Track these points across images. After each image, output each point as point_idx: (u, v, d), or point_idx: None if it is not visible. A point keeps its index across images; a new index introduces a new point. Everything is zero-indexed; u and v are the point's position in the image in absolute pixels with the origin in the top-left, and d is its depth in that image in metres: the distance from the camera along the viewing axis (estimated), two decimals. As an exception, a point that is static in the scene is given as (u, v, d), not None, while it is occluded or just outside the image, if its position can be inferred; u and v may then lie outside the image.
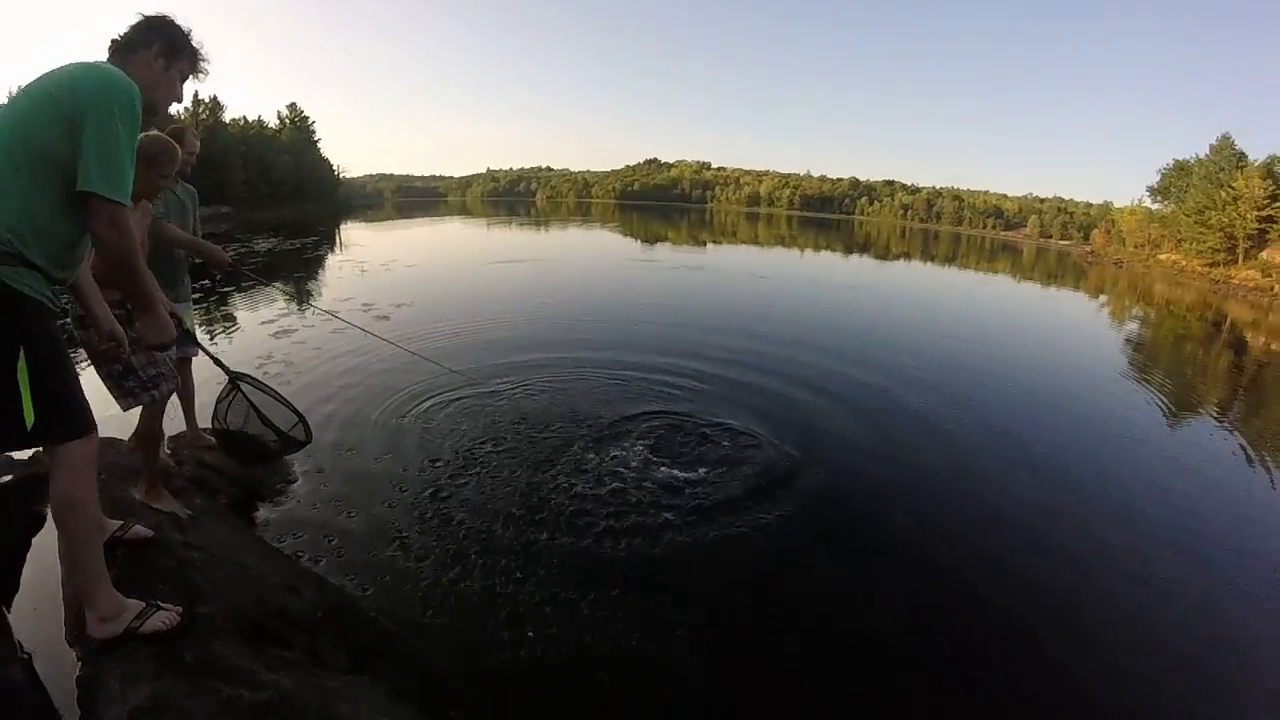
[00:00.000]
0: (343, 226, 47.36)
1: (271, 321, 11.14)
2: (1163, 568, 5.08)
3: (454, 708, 2.91)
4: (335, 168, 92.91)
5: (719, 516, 5.01)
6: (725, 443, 6.36)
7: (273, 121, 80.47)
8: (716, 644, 3.72)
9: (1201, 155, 56.21)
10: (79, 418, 2.33)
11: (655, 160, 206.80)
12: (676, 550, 4.53)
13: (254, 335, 10.15)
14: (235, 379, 4.45)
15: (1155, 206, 64.11)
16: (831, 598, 4.33)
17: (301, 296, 14.25)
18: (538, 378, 8.21)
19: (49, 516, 3.83)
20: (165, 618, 2.50)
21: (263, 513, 4.59)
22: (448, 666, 3.25)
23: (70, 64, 2.28)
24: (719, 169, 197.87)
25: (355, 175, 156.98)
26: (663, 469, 5.70)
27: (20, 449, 2.48)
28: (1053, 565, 4.97)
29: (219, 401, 4.41)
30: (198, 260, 4.62)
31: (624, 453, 5.99)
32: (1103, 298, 31.33)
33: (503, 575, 4.10)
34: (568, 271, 22.99)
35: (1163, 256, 57.55)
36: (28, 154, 2.13)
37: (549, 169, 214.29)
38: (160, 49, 2.50)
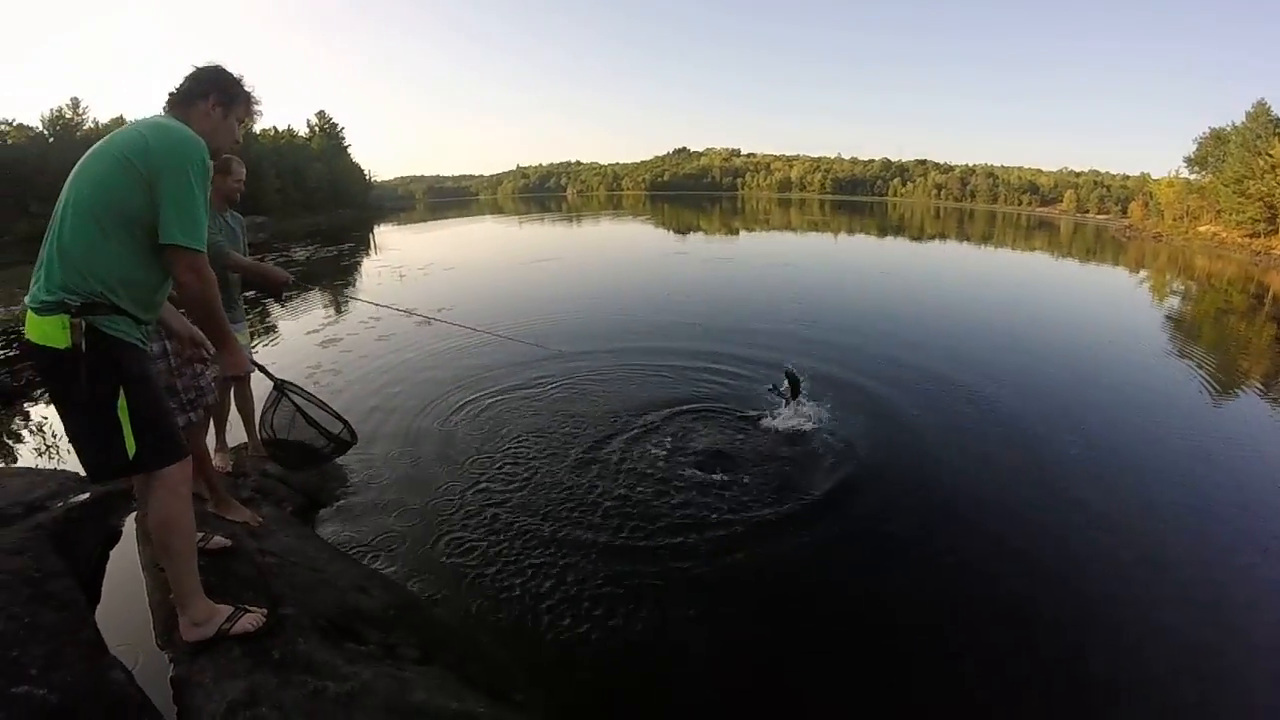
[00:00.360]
0: (377, 230, 48.16)
1: (316, 330, 11.51)
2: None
3: (517, 691, 3.13)
4: (366, 172, 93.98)
5: (760, 511, 5.18)
6: (768, 436, 6.55)
7: (302, 130, 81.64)
8: (749, 641, 3.91)
9: (1238, 123, 54.51)
10: (173, 445, 2.55)
11: (684, 149, 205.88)
12: (710, 544, 4.71)
13: (301, 345, 10.50)
14: (280, 386, 4.64)
15: (1193, 177, 62.09)
16: (863, 599, 4.46)
17: (349, 301, 14.60)
18: (580, 375, 8.48)
19: (124, 530, 4.15)
20: (253, 619, 2.75)
21: (326, 518, 4.87)
22: (508, 654, 3.47)
23: (138, 124, 2.49)
24: (749, 155, 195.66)
25: (386, 178, 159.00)
26: (697, 467, 5.92)
27: (125, 476, 2.64)
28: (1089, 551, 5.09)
29: (265, 410, 4.59)
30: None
31: (658, 449, 6.21)
32: (1142, 274, 30.75)
33: (549, 569, 4.34)
34: (601, 267, 23.14)
35: (1202, 229, 55.82)
36: (111, 216, 2.35)
37: (578, 163, 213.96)
38: (217, 99, 2.71)
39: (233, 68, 2.79)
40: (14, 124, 45.90)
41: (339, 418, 4.68)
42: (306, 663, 2.68)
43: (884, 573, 4.62)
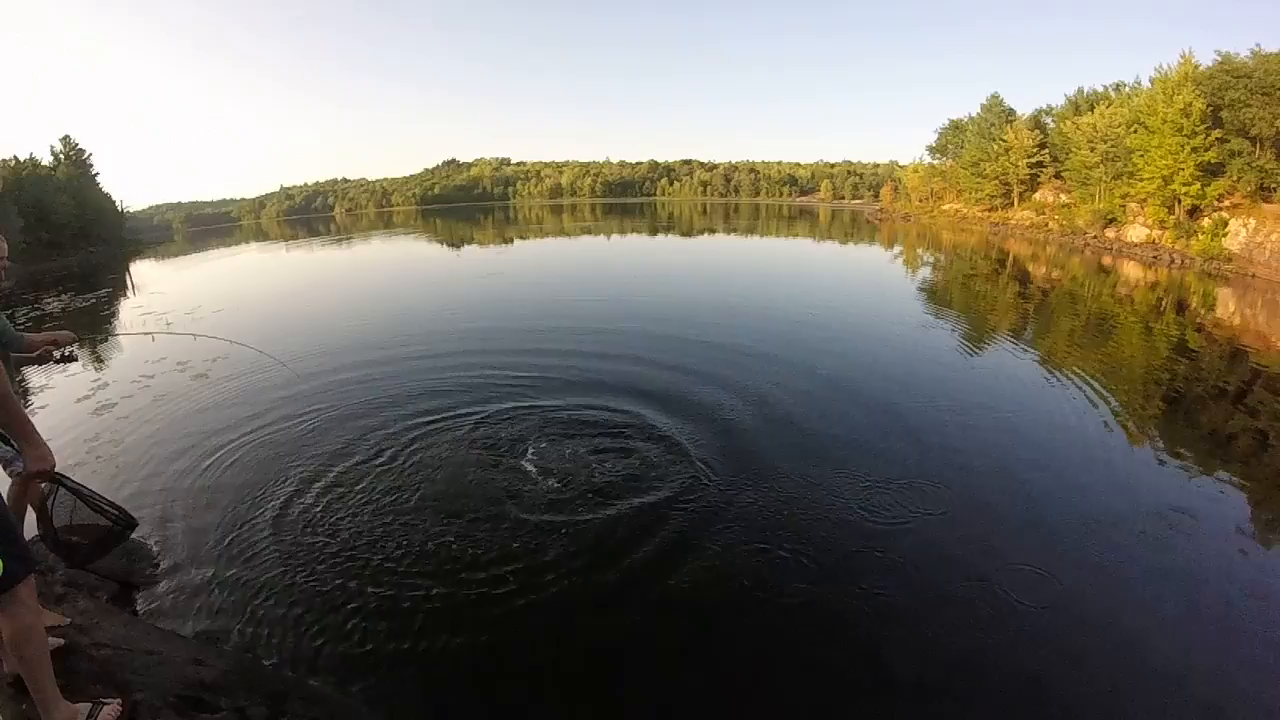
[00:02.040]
0: (134, 268, 44.68)
1: (88, 396, 10.94)
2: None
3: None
4: (118, 202, 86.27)
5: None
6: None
7: (46, 158, 73.68)
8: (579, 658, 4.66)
9: (974, 114, 61.69)
10: (29, 553, 2.80)
11: (454, 161, 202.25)
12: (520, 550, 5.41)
13: (73, 415, 9.96)
14: (54, 479, 4.47)
15: (935, 162, 69.63)
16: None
17: (117, 352, 13.93)
18: (337, 395, 9.28)
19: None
20: (111, 710, 3.08)
21: (143, 599, 5.04)
22: (345, 693, 3.95)
23: None
24: (519, 164, 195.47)
25: (140, 208, 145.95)
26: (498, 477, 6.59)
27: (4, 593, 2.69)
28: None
29: (43, 501, 4.36)
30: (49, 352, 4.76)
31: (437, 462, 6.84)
32: (896, 249, 34.44)
33: (363, 601, 4.90)
34: (375, 294, 23.19)
35: (946, 207, 63.27)
36: None
37: (345, 180, 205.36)
38: None
39: None
40: None
41: (110, 507, 4.60)
42: (169, 739, 3.06)
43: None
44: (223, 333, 12.75)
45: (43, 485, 4.41)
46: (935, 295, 18.69)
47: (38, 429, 3.03)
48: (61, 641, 3.64)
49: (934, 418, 8.40)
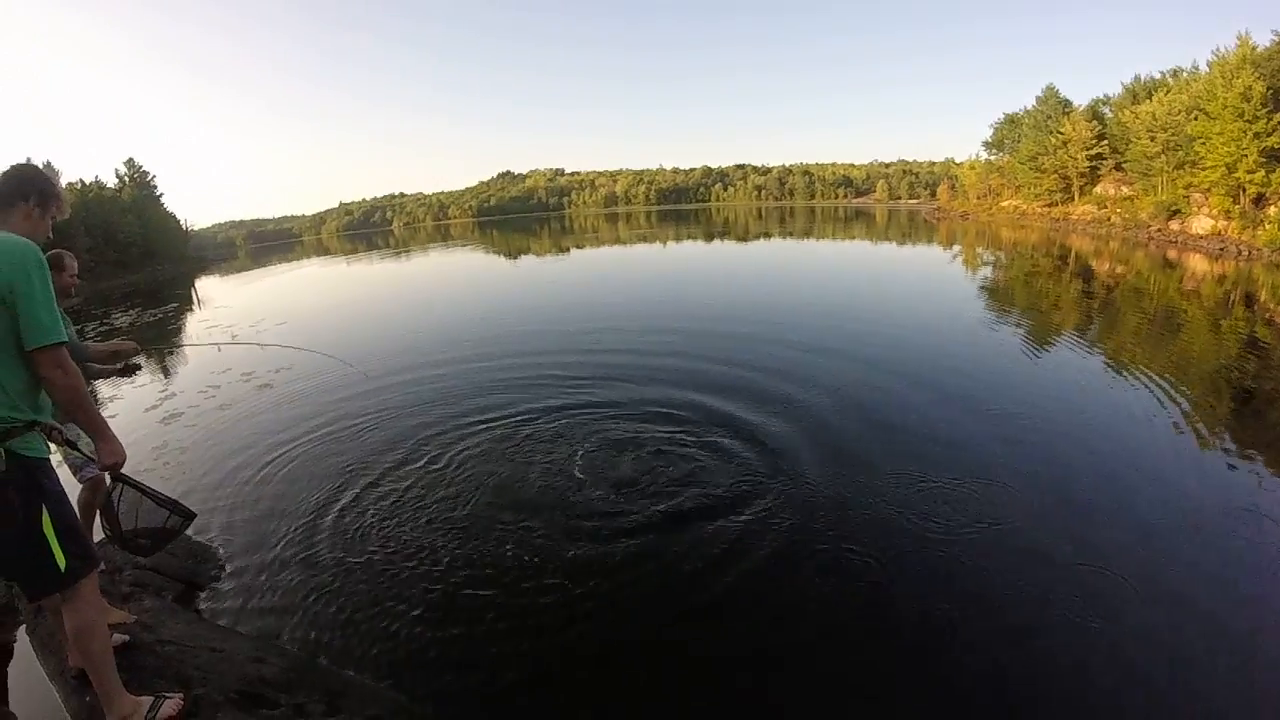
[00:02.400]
0: (199, 284, 46.02)
1: (155, 406, 11.25)
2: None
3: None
4: (182, 221, 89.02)
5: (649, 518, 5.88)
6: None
7: (111, 181, 76.51)
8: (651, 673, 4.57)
9: (1029, 107, 60.35)
10: (92, 550, 2.89)
11: (509, 172, 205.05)
12: (588, 566, 5.35)
13: (141, 424, 10.22)
14: (117, 478, 4.65)
15: (992, 158, 68.28)
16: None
17: (185, 363, 14.31)
18: (398, 397, 9.28)
19: (16, 645, 4.32)
20: (173, 705, 3.13)
21: (206, 599, 5.12)
22: (404, 694, 3.93)
23: None
24: (573, 174, 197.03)
25: (204, 226, 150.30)
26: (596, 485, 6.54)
27: (56, 591, 2.81)
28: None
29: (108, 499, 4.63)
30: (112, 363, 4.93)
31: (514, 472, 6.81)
32: (955, 248, 33.90)
33: (424, 606, 4.86)
34: (434, 304, 23.56)
35: (1005, 203, 62.07)
36: None
37: (403, 194, 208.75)
38: (36, 200, 2.94)
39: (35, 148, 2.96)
40: None
41: (169, 501, 4.77)
42: (229, 733, 3.09)
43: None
44: (286, 343, 12.97)
45: (108, 483, 4.60)
46: (997, 294, 18.28)
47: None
48: (126, 638, 3.72)
49: (1001, 418, 8.10)
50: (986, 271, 24.10)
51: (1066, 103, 56.41)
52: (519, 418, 8.63)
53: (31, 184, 2.93)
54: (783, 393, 9.17)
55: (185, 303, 32.99)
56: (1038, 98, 58.88)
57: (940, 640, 4.38)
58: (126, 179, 77.56)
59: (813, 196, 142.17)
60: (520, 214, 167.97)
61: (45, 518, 2.65)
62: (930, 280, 22.77)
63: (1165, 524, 5.74)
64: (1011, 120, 64.17)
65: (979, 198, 68.92)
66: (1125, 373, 10.04)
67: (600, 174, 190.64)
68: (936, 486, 6.35)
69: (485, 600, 4.87)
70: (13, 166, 2.96)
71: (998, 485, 6.35)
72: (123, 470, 3.17)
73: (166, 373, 14.55)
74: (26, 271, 2.61)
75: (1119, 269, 23.52)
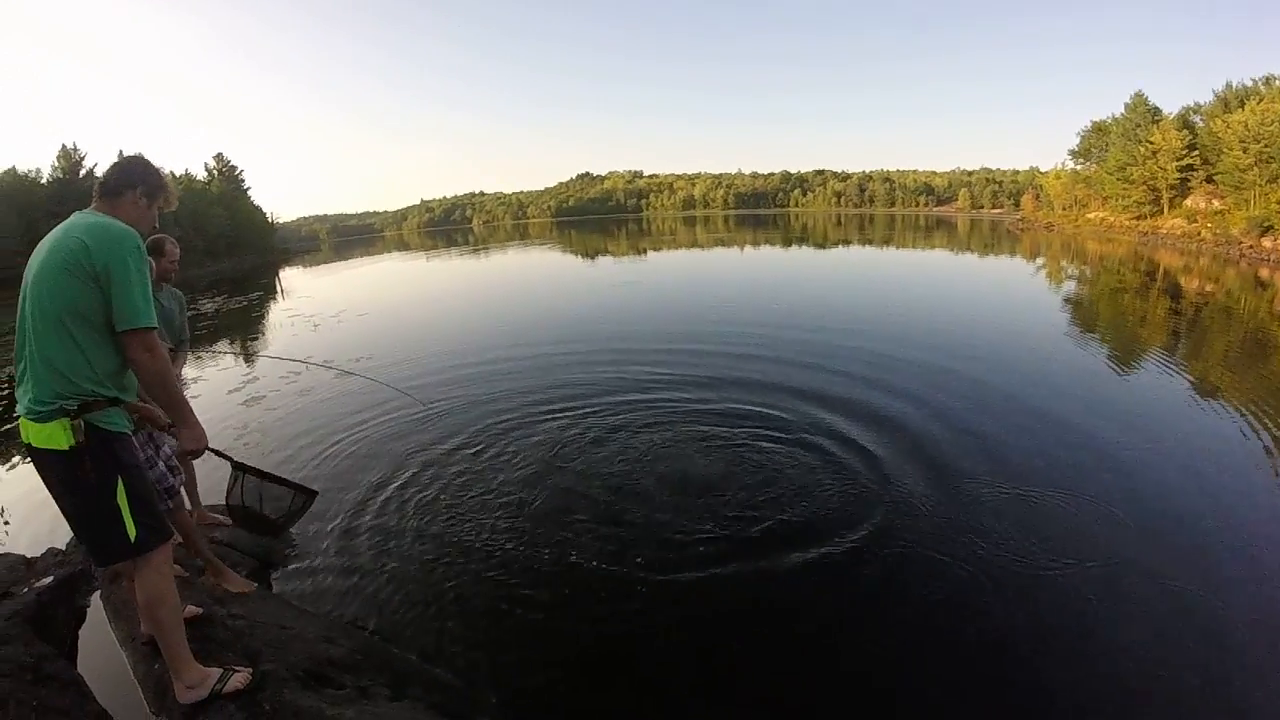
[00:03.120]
0: (283, 274, 47.46)
1: (237, 389, 11.53)
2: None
3: (481, 714, 3.55)
4: (268, 214, 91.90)
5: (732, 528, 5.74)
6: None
7: (200, 174, 79.59)
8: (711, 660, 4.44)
9: (1117, 114, 57.86)
10: (164, 524, 2.92)
11: (587, 174, 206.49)
12: (672, 563, 5.21)
13: (223, 405, 10.49)
14: (238, 467, 4.96)
15: (1078, 168, 65.73)
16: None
17: (265, 358, 14.69)
18: (475, 389, 9.17)
19: (89, 609, 4.42)
20: (241, 678, 3.12)
21: (280, 578, 5.16)
22: (468, 683, 3.87)
23: (72, 228, 2.75)
24: (651, 176, 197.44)
25: (289, 219, 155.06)
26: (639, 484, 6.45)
27: (126, 559, 2.88)
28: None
29: (230, 489, 4.91)
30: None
31: (591, 470, 6.74)
32: (1040, 260, 32.75)
33: (490, 600, 4.79)
34: (513, 298, 23.80)
35: (1091, 215, 59.51)
36: (76, 321, 2.65)
37: (483, 194, 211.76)
38: (143, 190, 3.01)
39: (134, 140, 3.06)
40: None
41: (290, 483, 5.02)
42: (295, 710, 3.05)
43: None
44: (365, 340, 13.14)
45: (231, 473, 4.76)
46: (1081, 309, 17.49)
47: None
48: (199, 610, 3.74)
49: (1098, 439, 7.54)
50: (1071, 286, 23.11)
51: (1156, 110, 54.01)
52: (598, 411, 8.58)
53: (140, 175, 3.00)
54: (874, 401, 8.80)
55: (269, 291, 34.05)
56: (1126, 105, 56.48)
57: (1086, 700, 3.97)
58: (215, 172, 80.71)
59: (893, 204, 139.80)
60: (598, 215, 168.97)
61: (120, 489, 2.70)
62: (1014, 292, 22.01)
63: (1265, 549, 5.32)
64: (1099, 128, 61.57)
65: (1064, 209, 66.36)
66: (1212, 397, 9.26)
67: (678, 177, 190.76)
68: (1049, 510, 5.91)
69: (558, 595, 4.79)
70: (123, 158, 3.05)
71: (1108, 513, 5.92)
72: (207, 446, 3.18)
73: (249, 358, 14.97)
74: (123, 256, 2.68)
75: (1208, 287, 22.16)
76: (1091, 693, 3.83)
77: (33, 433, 2.64)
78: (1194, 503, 6.13)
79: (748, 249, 44.89)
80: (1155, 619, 4.47)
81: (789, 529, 5.59)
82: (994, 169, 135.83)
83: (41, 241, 2.80)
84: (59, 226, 2.81)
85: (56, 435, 2.60)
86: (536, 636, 4.39)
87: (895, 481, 6.44)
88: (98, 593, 4.49)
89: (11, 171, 51.09)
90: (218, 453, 4.82)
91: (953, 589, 4.81)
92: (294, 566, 5.31)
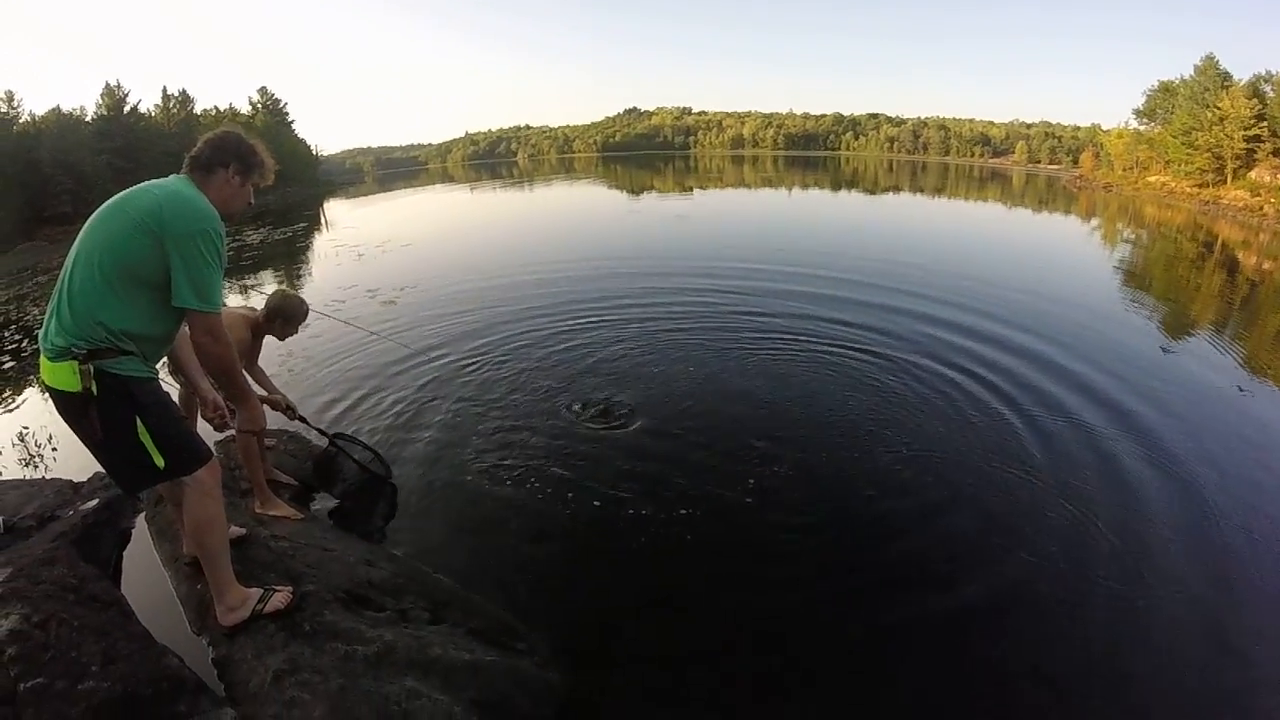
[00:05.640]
0: (327, 206, 47.65)
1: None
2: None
3: (518, 641, 3.53)
4: (312, 147, 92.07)
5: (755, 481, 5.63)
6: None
7: (244, 108, 79.73)
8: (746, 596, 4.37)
9: (1187, 76, 54.79)
10: (197, 452, 2.87)
11: (635, 109, 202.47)
12: (706, 506, 5.16)
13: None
14: (332, 438, 5.33)
15: (1142, 128, 62.47)
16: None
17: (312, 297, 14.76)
18: (517, 346, 9.00)
19: (134, 531, 4.48)
20: (282, 598, 3.13)
21: (320, 501, 5.20)
22: (506, 611, 3.85)
23: (154, 189, 2.71)
24: (700, 113, 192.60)
25: (333, 152, 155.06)
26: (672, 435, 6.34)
27: (160, 482, 2.95)
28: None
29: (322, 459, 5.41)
30: None
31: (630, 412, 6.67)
32: (1095, 221, 31.45)
33: (530, 531, 4.79)
34: (558, 233, 23.64)
35: (1151, 179, 56.51)
36: (121, 274, 2.60)
37: (528, 127, 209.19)
38: (237, 168, 2.97)
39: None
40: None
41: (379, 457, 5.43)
42: (334, 631, 3.06)
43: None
44: (409, 270, 13.10)
45: (327, 448, 5.33)
46: (1134, 277, 16.56)
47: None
48: (243, 531, 3.75)
49: (1123, 415, 6.84)
50: (1126, 250, 21.88)
51: (1226, 75, 50.67)
52: (675, 341, 8.56)
53: (232, 151, 2.95)
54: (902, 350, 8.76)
55: (314, 223, 34.20)
56: (1196, 67, 53.12)
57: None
58: (259, 106, 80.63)
59: (947, 153, 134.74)
60: (644, 151, 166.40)
61: (140, 427, 2.66)
62: (1069, 253, 21.13)
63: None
64: (1166, 89, 57.84)
65: (1124, 169, 63.32)
66: (1262, 378, 8.56)
67: (728, 115, 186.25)
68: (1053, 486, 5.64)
69: (606, 534, 4.75)
70: (216, 133, 2.98)
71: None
72: (265, 427, 3.56)
73: (296, 283, 15.10)
74: (193, 233, 2.63)
75: (1266, 264, 20.67)
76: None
77: (47, 371, 2.61)
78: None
79: (795, 190, 44.04)
80: None
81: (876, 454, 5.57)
82: (1054, 123, 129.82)
83: (121, 192, 2.74)
84: (147, 182, 2.77)
85: (66, 377, 2.56)
86: (578, 569, 4.39)
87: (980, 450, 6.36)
88: (141, 515, 4.54)
89: (56, 111, 51.51)
90: (302, 419, 5.07)
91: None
92: (336, 490, 5.31)
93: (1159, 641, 3.81)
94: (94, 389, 2.55)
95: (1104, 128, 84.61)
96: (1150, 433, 6.33)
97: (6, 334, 12.94)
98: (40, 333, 2.69)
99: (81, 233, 2.68)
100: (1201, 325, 11.54)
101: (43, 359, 2.62)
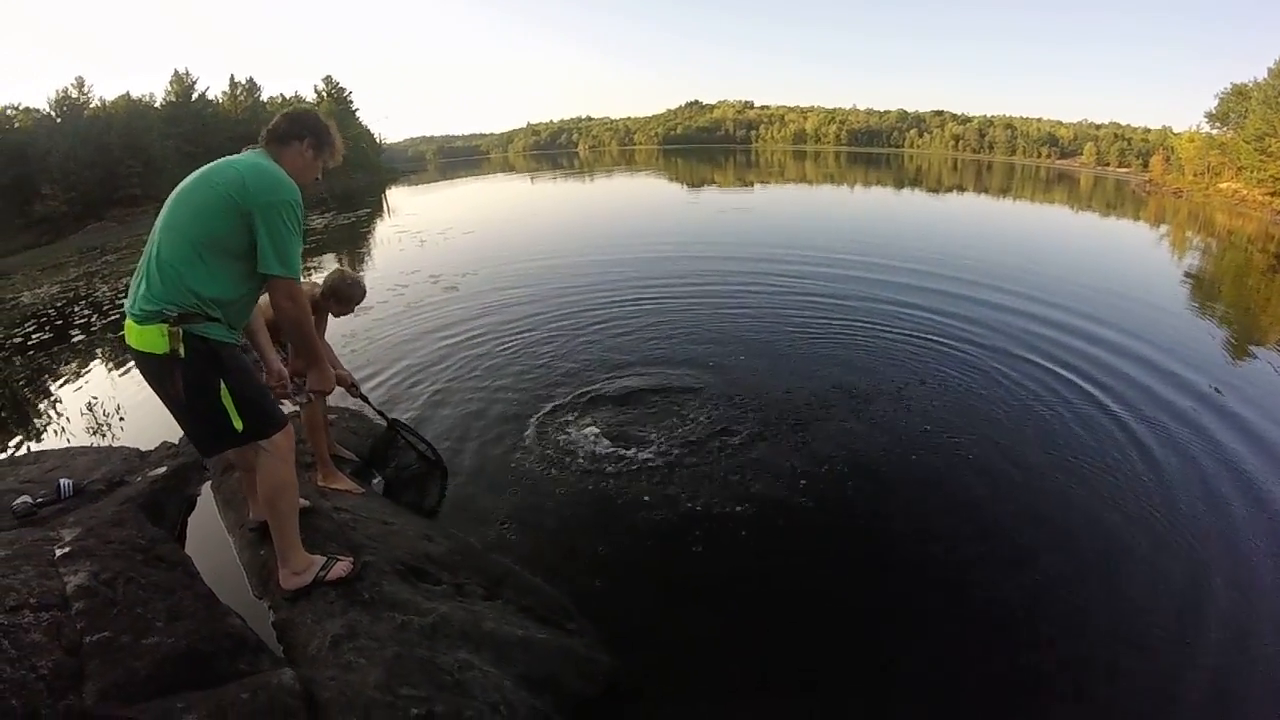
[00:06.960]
0: (390, 193, 48.43)
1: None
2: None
3: (569, 621, 3.56)
4: (376, 135, 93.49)
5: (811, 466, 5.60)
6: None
7: (310, 96, 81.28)
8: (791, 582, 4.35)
9: (1260, 79, 52.67)
10: (274, 417, 2.97)
11: (696, 102, 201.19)
12: (757, 492, 5.14)
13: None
14: (392, 424, 5.43)
15: (1215, 132, 60.06)
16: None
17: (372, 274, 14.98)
18: (580, 336, 8.98)
19: (199, 498, 4.61)
20: (344, 567, 3.21)
21: (381, 475, 5.31)
22: (559, 591, 3.87)
23: (236, 163, 2.83)
24: (762, 108, 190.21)
25: (396, 140, 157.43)
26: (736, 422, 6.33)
27: (238, 445, 3.06)
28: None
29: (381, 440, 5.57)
30: None
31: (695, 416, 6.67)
32: (1164, 228, 30.30)
33: (585, 516, 4.80)
34: (616, 223, 23.69)
35: (1223, 185, 53.94)
36: (207, 242, 2.71)
37: (589, 118, 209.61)
38: (310, 143, 3.08)
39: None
40: (20, 108, 46.61)
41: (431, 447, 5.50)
42: (392, 601, 3.13)
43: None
44: (471, 256, 13.14)
45: (385, 431, 5.48)
46: (1202, 286, 15.82)
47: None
48: (306, 502, 3.83)
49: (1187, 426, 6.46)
50: (1195, 259, 20.97)
51: None
52: (737, 350, 8.22)
53: (309, 126, 3.08)
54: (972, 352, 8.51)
55: (376, 209, 34.80)
56: (1270, 70, 49.89)
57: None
58: (325, 94, 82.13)
59: (1013, 153, 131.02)
60: (705, 144, 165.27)
61: (223, 390, 2.76)
62: (1138, 259, 20.44)
63: None
64: (1239, 92, 55.04)
65: (1195, 175, 60.83)
66: None
67: (790, 109, 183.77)
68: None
69: (660, 520, 4.71)
70: (294, 109, 3.12)
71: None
72: (334, 388, 3.65)
73: (358, 267, 15.32)
74: (276, 204, 2.75)
75: None
76: None
77: (134, 334, 2.71)
78: None
79: (860, 188, 43.28)
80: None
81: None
82: (1123, 124, 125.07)
83: (203, 167, 2.86)
84: (227, 158, 2.89)
85: (155, 339, 2.64)
86: (633, 557, 4.39)
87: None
88: (208, 483, 4.69)
89: (125, 97, 53.34)
90: (363, 397, 5.17)
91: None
92: (396, 466, 5.42)
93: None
94: (182, 351, 2.65)
95: (1175, 130, 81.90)
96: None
97: (76, 309, 13.43)
98: (126, 300, 2.79)
99: (167, 204, 2.78)
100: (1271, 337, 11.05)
101: (129, 323, 2.72)
